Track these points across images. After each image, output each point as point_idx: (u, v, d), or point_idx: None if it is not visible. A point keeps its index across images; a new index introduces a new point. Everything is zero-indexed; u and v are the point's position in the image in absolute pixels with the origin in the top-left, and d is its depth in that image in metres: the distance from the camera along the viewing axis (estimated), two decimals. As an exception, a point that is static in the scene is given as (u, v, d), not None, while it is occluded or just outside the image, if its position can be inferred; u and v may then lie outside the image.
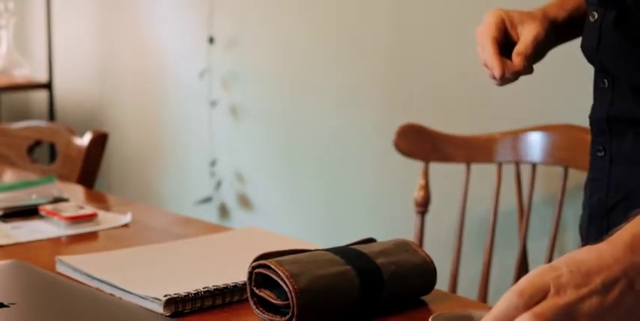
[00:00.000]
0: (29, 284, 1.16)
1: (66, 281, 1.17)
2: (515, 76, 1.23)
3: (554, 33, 1.28)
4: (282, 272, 1.04)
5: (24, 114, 3.87)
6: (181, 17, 3.32)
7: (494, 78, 1.24)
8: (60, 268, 1.24)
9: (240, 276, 1.15)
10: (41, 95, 3.82)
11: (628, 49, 1.16)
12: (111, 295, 1.14)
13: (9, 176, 1.96)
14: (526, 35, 1.24)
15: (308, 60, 2.91)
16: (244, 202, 3.14)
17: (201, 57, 3.19)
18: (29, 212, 1.54)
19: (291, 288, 1.03)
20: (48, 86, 3.64)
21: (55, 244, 1.42)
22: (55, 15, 3.68)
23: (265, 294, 1.07)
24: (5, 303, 1.04)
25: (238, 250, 1.33)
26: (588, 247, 0.90)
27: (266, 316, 1.06)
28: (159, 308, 1.08)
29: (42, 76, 3.69)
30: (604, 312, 0.86)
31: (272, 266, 1.05)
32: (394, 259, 1.13)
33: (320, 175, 2.90)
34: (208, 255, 1.31)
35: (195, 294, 1.10)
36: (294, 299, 1.03)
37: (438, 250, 1.68)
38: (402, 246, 1.17)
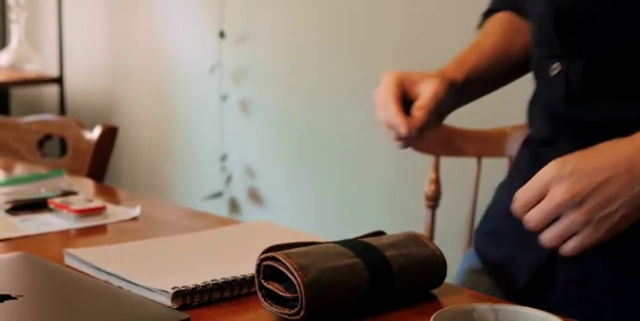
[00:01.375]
0: (36, 276, 1.15)
1: (73, 274, 1.17)
2: (421, 132, 1.22)
3: (453, 94, 1.27)
4: (291, 265, 1.03)
5: (35, 109, 3.87)
6: (192, 12, 3.32)
7: (398, 139, 1.22)
8: (68, 261, 1.24)
9: (249, 269, 1.14)
10: (52, 90, 3.83)
11: (601, 98, 1.14)
12: (119, 287, 1.13)
13: (19, 170, 1.95)
14: (426, 91, 1.24)
15: (319, 54, 2.90)
16: (255, 196, 3.14)
17: (212, 52, 3.19)
18: (38, 205, 1.54)
19: (299, 280, 1.02)
20: (59, 81, 3.64)
21: (64, 237, 1.41)
22: (66, 9, 3.68)
23: (274, 287, 1.06)
24: (12, 295, 1.04)
25: (248, 243, 1.32)
26: (607, 144, 1.02)
27: (274, 308, 1.06)
28: (167, 301, 1.08)
29: (53, 71, 3.69)
30: (596, 208, 0.98)
31: (280, 258, 1.04)
32: (404, 252, 1.12)
33: (330, 170, 2.89)
34: (217, 248, 1.31)
35: (203, 287, 1.10)
36: (302, 292, 1.02)
37: (448, 245, 1.67)
38: (411, 238, 1.16)
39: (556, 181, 0.98)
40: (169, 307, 1.07)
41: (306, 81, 2.95)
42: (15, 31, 3.63)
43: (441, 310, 0.89)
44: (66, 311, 1.03)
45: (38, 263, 1.19)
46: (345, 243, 1.12)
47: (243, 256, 1.23)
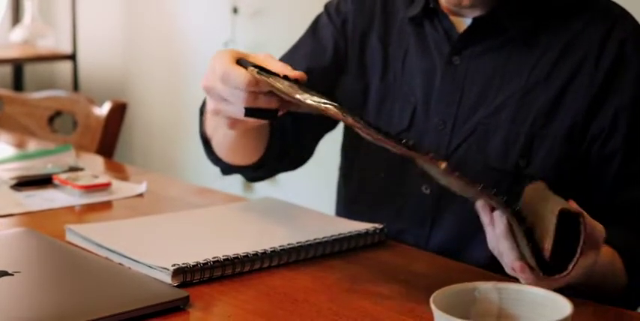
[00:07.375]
0: (36, 252, 1.14)
1: (74, 250, 1.15)
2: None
3: None
4: None
5: (48, 85, 3.86)
6: (205, -13, 3.29)
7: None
8: (69, 237, 1.22)
9: (251, 246, 1.13)
10: (66, 66, 3.81)
11: None
12: (119, 264, 1.12)
13: (30, 146, 1.94)
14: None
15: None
16: (268, 174, 3.12)
17: (225, 27, 3.16)
18: (43, 181, 1.52)
19: None
20: (72, 57, 3.62)
21: (68, 213, 1.40)
22: (80, -15, 3.66)
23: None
24: (9, 271, 1.02)
25: (252, 220, 1.30)
26: None
27: None
28: (167, 278, 1.06)
29: (66, 48, 3.67)
30: None
31: None
32: None
33: (344, 147, 2.87)
34: (220, 225, 1.29)
35: (204, 264, 1.08)
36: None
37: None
38: None
39: None
40: (169, 284, 1.05)
41: (320, 57, 2.92)
42: (28, 7, 3.60)
43: (442, 288, 0.86)
44: (63, 287, 1.01)
45: (39, 239, 1.17)
46: None
47: (245, 233, 1.22)
